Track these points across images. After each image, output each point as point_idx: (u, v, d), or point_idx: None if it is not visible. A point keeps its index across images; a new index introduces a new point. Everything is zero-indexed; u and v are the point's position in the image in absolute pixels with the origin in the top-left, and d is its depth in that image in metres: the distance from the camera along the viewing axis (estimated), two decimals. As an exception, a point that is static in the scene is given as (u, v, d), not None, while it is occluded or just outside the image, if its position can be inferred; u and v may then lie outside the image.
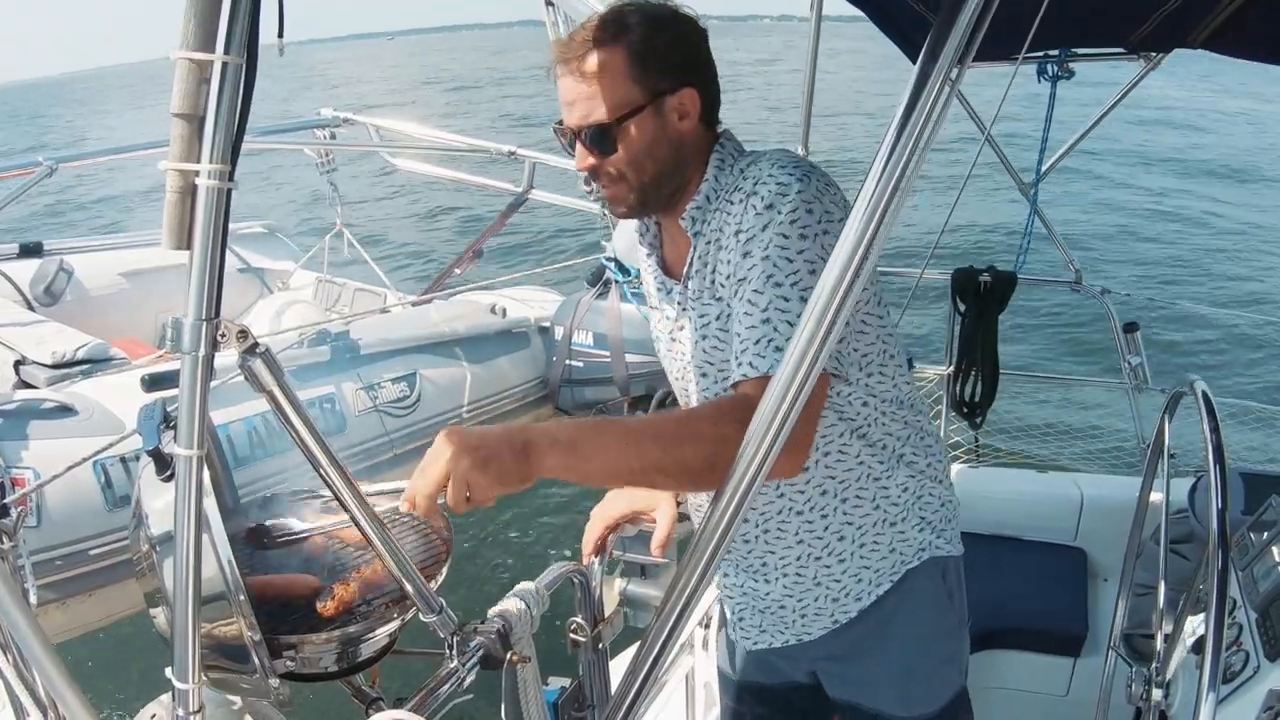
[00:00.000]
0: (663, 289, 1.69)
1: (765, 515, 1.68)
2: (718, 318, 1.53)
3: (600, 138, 1.49)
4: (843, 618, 1.73)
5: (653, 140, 1.50)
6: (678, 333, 1.66)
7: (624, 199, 1.56)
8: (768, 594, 1.77)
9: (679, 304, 1.64)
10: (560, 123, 1.54)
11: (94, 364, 4.13)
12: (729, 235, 1.48)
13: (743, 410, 1.27)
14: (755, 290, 1.39)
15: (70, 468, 3.12)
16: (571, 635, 1.84)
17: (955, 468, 3.65)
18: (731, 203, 1.50)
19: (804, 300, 1.33)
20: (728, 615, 1.93)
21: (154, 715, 1.29)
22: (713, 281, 1.53)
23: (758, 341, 1.37)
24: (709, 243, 1.54)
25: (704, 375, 1.60)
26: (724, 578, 1.85)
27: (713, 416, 1.35)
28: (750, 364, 1.37)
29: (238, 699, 1.40)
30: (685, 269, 1.60)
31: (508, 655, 1.52)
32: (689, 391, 1.70)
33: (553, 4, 4.69)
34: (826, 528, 1.67)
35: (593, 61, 1.46)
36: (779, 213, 1.40)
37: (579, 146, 1.51)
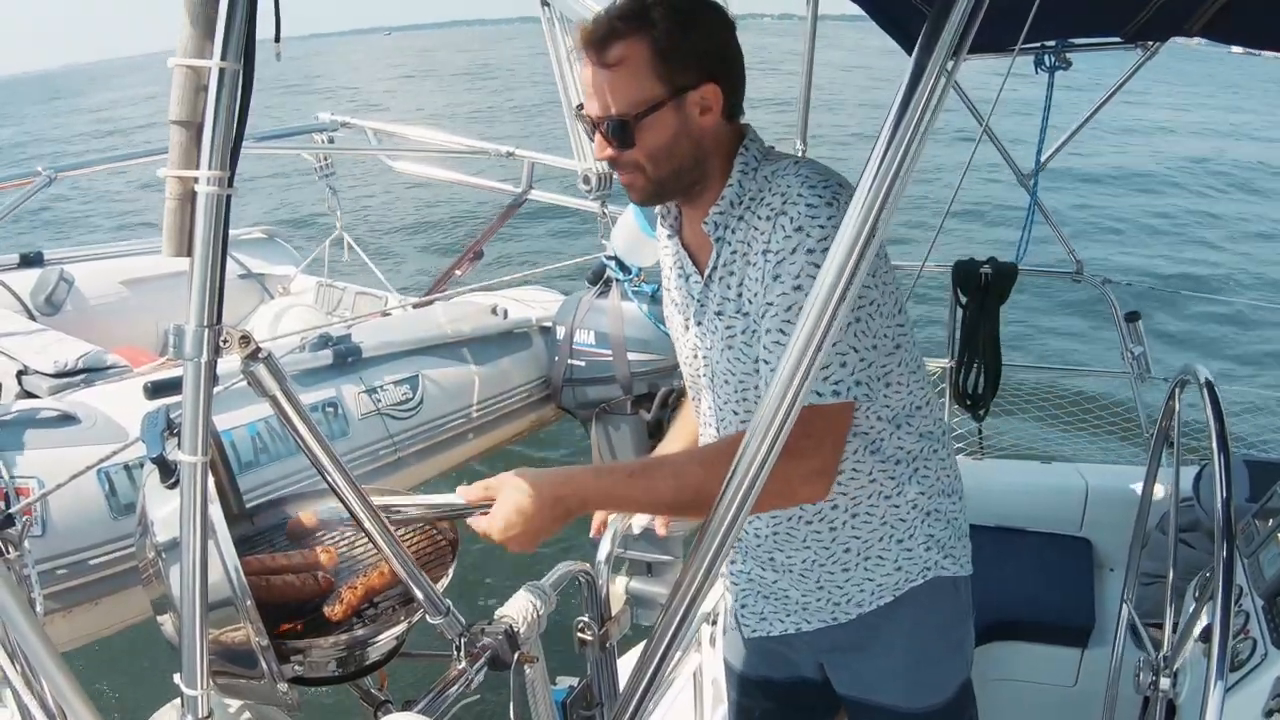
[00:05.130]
0: (681, 274, 1.68)
1: (775, 518, 1.69)
2: (743, 332, 1.54)
3: (620, 131, 1.47)
4: (842, 618, 1.75)
5: (673, 136, 1.49)
6: (693, 325, 1.66)
7: (641, 189, 1.56)
8: (774, 583, 1.78)
9: (697, 299, 1.64)
10: (581, 107, 1.53)
11: (96, 372, 4.13)
12: (757, 253, 1.48)
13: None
14: (786, 320, 1.43)
15: (74, 476, 3.11)
16: (579, 634, 1.84)
17: (958, 460, 3.65)
18: (759, 216, 1.49)
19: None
20: (731, 602, 1.94)
21: (163, 722, 1.30)
22: (739, 295, 1.53)
23: None
24: (734, 252, 1.54)
25: (726, 383, 1.62)
26: (732, 564, 1.87)
27: (711, 459, 1.46)
28: None
29: (247, 704, 1.40)
30: (708, 270, 1.59)
31: (515, 656, 1.52)
32: (700, 382, 1.72)
33: (548, 2, 4.69)
34: (834, 539, 1.68)
35: (615, 53, 1.44)
36: (809, 237, 1.41)
37: (598, 135, 1.51)
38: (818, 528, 1.67)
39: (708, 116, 1.50)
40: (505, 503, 1.45)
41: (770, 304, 1.45)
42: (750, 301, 1.51)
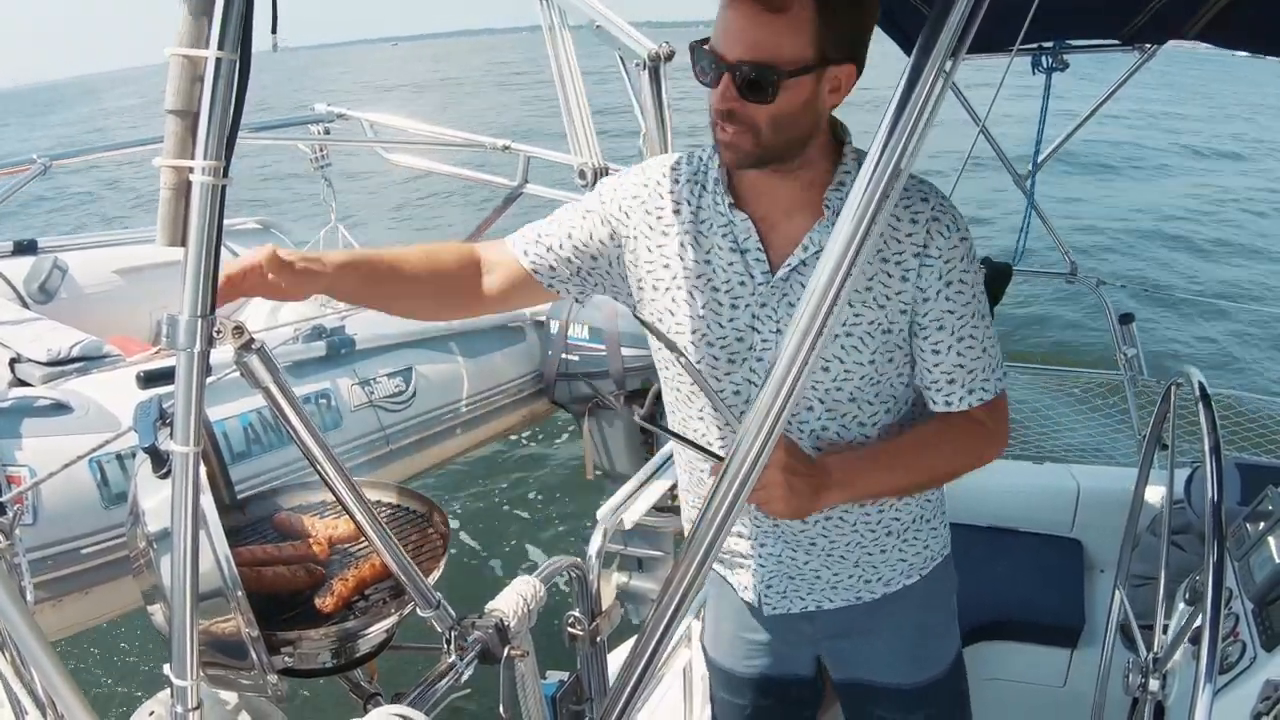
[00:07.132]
0: (735, 249, 1.54)
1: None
2: (871, 323, 1.50)
3: (756, 82, 1.35)
4: (867, 597, 1.76)
5: (803, 105, 1.38)
6: (748, 303, 1.54)
7: (745, 152, 1.43)
8: (806, 564, 1.74)
9: (761, 279, 1.52)
10: (705, 42, 1.39)
11: (89, 361, 4.11)
12: (903, 253, 1.46)
13: (980, 437, 1.60)
14: (974, 325, 1.52)
15: (66, 465, 3.10)
16: (569, 629, 1.85)
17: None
18: (894, 216, 1.45)
19: (988, 325, 1.56)
20: (743, 583, 1.82)
21: (153, 712, 1.30)
22: (865, 290, 1.49)
23: (986, 369, 1.55)
24: None
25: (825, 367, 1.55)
26: (760, 547, 1.75)
27: (950, 451, 1.59)
28: (984, 388, 1.56)
29: (236, 695, 1.40)
30: (803, 254, 1.49)
31: (506, 650, 1.52)
32: (724, 363, 1.59)
33: (548, 2, 4.68)
34: (879, 521, 1.69)
35: None
36: (970, 246, 1.49)
37: (724, 81, 1.37)
38: (868, 509, 1.68)
39: (833, 96, 1.42)
40: (778, 473, 1.42)
41: (949, 311, 1.49)
42: (882, 301, 1.48)
